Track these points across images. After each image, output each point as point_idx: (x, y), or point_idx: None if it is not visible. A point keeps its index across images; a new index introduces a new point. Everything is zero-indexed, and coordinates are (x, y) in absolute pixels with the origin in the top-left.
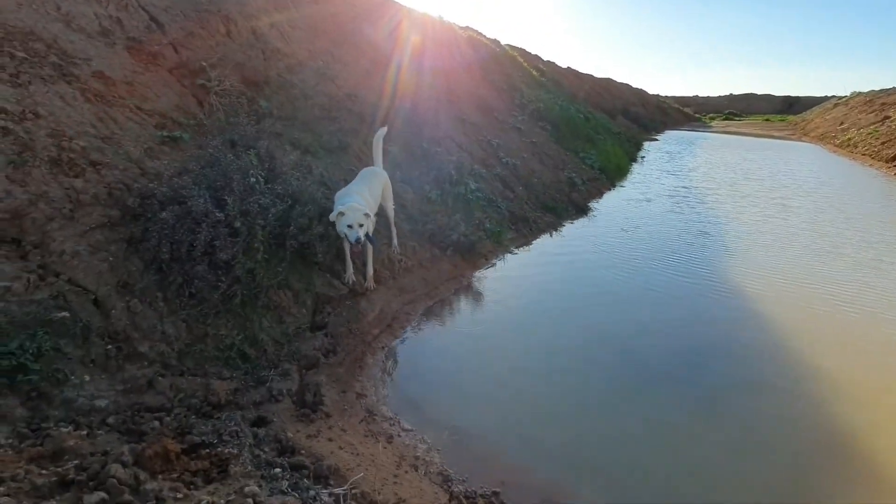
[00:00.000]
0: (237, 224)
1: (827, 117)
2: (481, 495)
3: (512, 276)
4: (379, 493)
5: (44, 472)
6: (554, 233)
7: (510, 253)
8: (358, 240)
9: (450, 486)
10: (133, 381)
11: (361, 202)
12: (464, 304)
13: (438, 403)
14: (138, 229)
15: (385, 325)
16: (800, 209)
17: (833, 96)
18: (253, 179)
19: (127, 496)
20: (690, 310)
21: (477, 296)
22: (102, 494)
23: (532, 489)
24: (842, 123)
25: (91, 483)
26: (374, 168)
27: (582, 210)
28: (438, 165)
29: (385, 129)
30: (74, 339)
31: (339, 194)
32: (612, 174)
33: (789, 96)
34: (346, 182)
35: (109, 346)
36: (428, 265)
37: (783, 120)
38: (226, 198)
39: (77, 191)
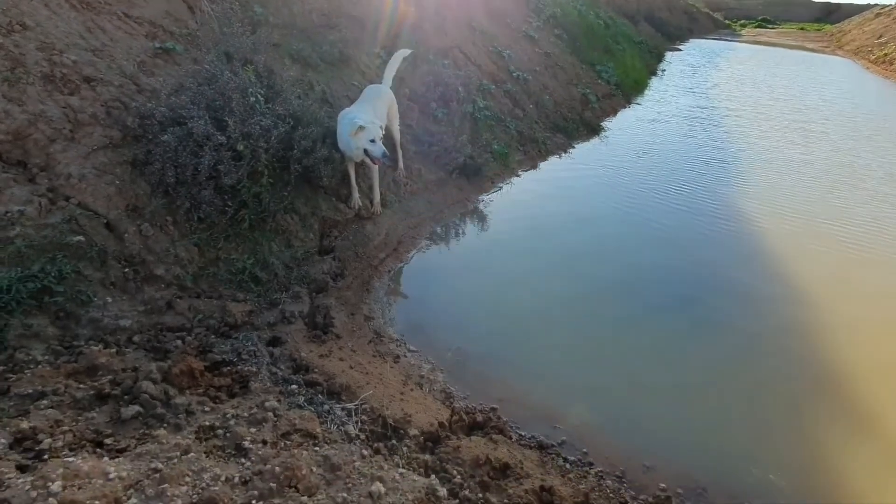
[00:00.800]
0: (240, 147)
1: (865, 29)
2: (480, 411)
3: (518, 200)
4: (387, 409)
5: (81, 385)
6: (563, 155)
7: (517, 176)
8: (385, 154)
9: (452, 403)
10: (153, 303)
11: (373, 118)
12: (469, 229)
13: (442, 326)
14: (141, 151)
15: (391, 250)
16: (825, 135)
17: (876, 5)
18: (253, 99)
19: (160, 409)
20: (690, 248)
21: (482, 220)
22: (137, 408)
23: (527, 407)
24: (880, 37)
25: (126, 397)
26: (379, 86)
27: (594, 130)
28: (445, 81)
29: (409, 51)
30: (92, 262)
31: (342, 114)
32: (629, 90)
33: (829, 2)
34: (349, 99)
35: (127, 270)
36: (433, 188)
37: (819, 29)
38: (226, 119)
39: (74, 110)
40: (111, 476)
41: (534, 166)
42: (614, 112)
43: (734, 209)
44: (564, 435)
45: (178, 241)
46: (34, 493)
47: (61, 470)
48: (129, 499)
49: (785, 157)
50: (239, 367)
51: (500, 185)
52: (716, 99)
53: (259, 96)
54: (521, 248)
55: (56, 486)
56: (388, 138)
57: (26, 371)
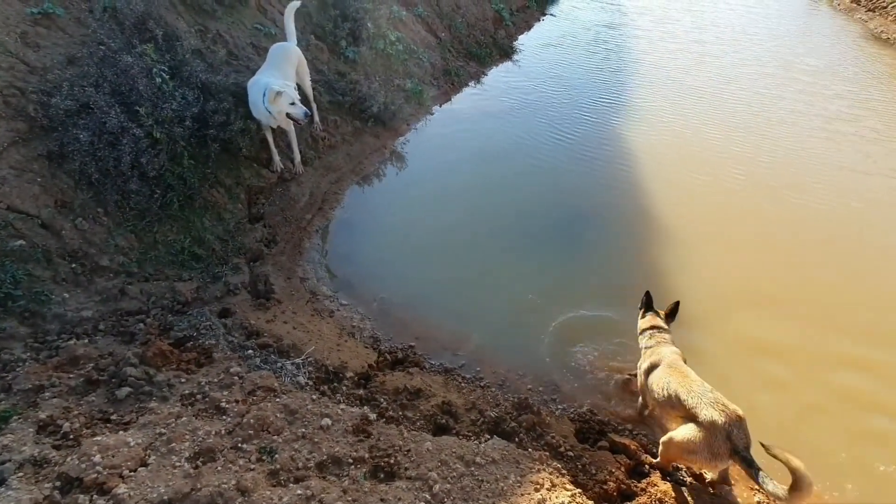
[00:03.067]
0: (156, 134)
1: None
2: (400, 349)
3: (432, 141)
4: (327, 359)
5: (71, 376)
6: (476, 84)
7: (431, 114)
8: (306, 113)
9: (378, 346)
10: (107, 292)
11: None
12: (387, 177)
13: (368, 278)
14: (54, 144)
15: (316, 209)
16: (716, 59)
17: None
18: (159, 79)
19: (146, 387)
20: (586, 177)
21: (399, 167)
22: (128, 388)
23: (438, 340)
24: None
25: (114, 380)
26: (284, 45)
27: (507, 53)
28: (354, 15)
29: (298, 2)
30: (39, 262)
31: (252, 83)
32: None
33: None
34: (255, 48)
35: (73, 265)
36: (351, 139)
37: None
38: (137, 108)
39: None
40: (131, 444)
41: (448, 100)
42: (528, 27)
43: (628, 141)
44: (464, 359)
45: (115, 231)
46: (83, 465)
47: (95, 446)
48: (149, 457)
49: (676, 80)
50: (200, 341)
51: (416, 125)
52: (626, 10)
53: (164, 75)
54: (433, 192)
55: (97, 458)
56: (300, 93)
57: (17, 369)
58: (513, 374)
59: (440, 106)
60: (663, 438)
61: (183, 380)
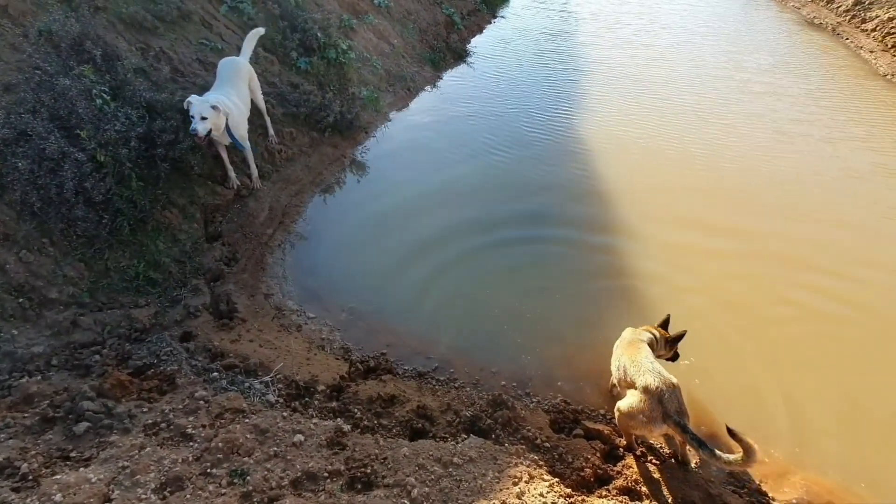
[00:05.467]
0: (100, 158)
1: None
2: (372, 358)
3: (390, 148)
4: (297, 374)
5: (25, 415)
6: (432, 89)
7: (389, 121)
8: (194, 131)
9: (350, 356)
10: (58, 325)
11: (224, 100)
12: (348, 186)
13: (335, 289)
14: None
15: (277, 223)
16: (676, 57)
17: None
18: (99, 101)
19: (106, 420)
20: (544, 174)
21: (360, 174)
22: (86, 423)
23: (409, 345)
24: None
25: (71, 416)
26: (233, 59)
27: (460, 56)
28: (303, 26)
29: (262, 29)
30: None
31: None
32: (495, 1)
33: None
34: (202, 64)
35: (21, 300)
36: (309, 150)
37: None
38: (78, 132)
39: None
40: (93, 480)
41: (405, 106)
42: (480, 29)
43: (580, 136)
44: (437, 362)
45: (63, 261)
46: None
47: (56, 485)
48: (113, 492)
49: (625, 73)
50: (161, 367)
51: (374, 133)
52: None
53: (105, 96)
54: (395, 199)
55: (58, 497)
56: (253, 108)
57: None
58: (486, 372)
59: (398, 112)
60: (615, 410)
61: (145, 409)
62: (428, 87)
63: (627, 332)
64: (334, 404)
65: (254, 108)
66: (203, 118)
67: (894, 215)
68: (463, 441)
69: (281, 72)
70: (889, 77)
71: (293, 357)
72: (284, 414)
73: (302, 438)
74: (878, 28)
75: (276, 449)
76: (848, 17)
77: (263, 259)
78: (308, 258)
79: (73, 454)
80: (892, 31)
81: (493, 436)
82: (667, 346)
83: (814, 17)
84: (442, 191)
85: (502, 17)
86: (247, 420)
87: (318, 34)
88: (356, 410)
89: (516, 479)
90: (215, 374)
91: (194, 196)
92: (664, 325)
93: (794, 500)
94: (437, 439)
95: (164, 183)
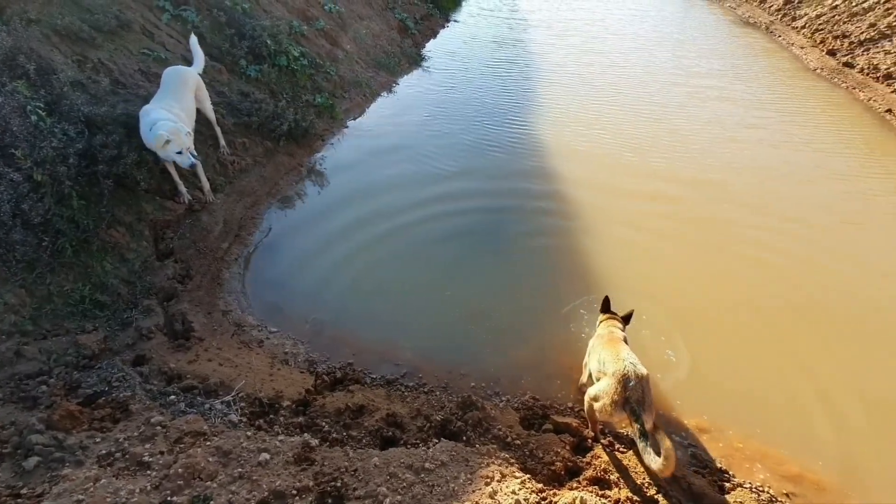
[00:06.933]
0: (37, 177)
1: None
2: (339, 368)
3: (349, 154)
4: (261, 391)
5: None
6: (389, 94)
7: (346, 127)
8: (193, 165)
9: (315, 368)
10: (0, 356)
11: (174, 120)
12: (307, 195)
13: (297, 301)
14: None
15: (233, 237)
16: (624, 55)
17: None
18: (35, 117)
19: (57, 453)
20: (496, 178)
21: (319, 182)
22: (36, 458)
23: (376, 353)
24: None
25: (20, 451)
26: (179, 69)
27: (415, 61)
28: (251, 33)
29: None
30: None
31: (144, 112)
32: (447, 6)
33: None
34: (143, 74)
35: None
36: (263, 161)
37: None
38: (13, 151)
39: None
40: None
41: (362, 112)
42: (434, 34)
43: (531, 142)
44: (405, 368)
45: (1, 288)
46: None
47: None
48: None
49: (574, 73)
50: (113, 394)
51: (331, 140)
52: (523, 11)
53: (40, 112)
54: (355, 206)
55: None
56: (202, 119)
57: None
58: (455, 374)
59: (354, 119)
60: (585, 397)
61: (98, 439)
62: (384, 93)
63: (604, 329)
64: (301, 419)
65: (203, 118)
66: (188, 148)
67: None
68: (434, 445)
69: (230, 81)
70: (818, 71)
71: (256, 374)
72: (248, 433)
73: (268, 457)
74: (807, 25)
75: (240, 470)
76: (779, 16)
77: (220, 274)
78: (268, 271)
79: (24, 491)
80: (820, 27)
81: (465, 438)
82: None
83: (748, 16)
84: (401, 197)
85: (455, 21)
86: (208, 443)
87: (268, 41)
88: (324, 423)
89: (488, 479)
90: (172, 397)
91: (142, 212)
92: (627, 319)
93: (759, 481)
94: (409, 446)
95: (108, 200)
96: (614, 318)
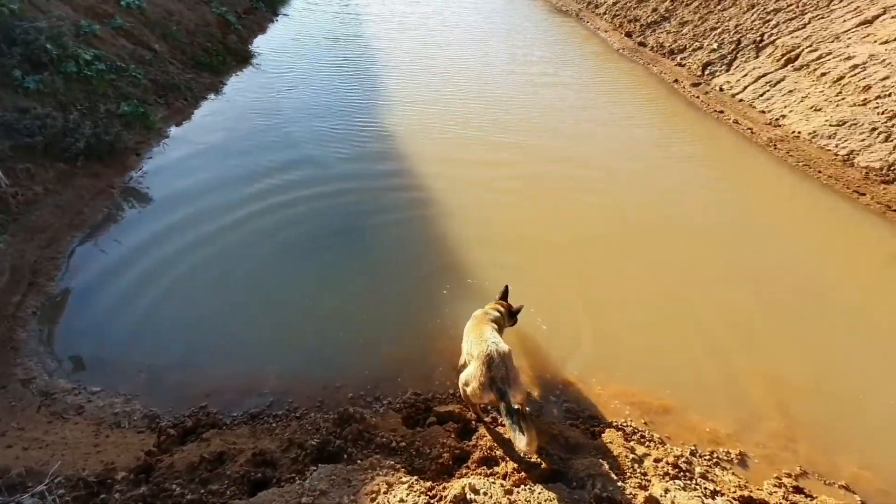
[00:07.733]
0: None
1: None
2: (189, 416)
3: (172, 167)
4: (84, 469)
5: None
6: (216, 97)
7: (166, 138)
8: None
9: (157, 423)
10: None
11: None
12: (125, 221)
13: (126, 347)
14: None
15: (26, 286)
16: (452, 45)
17: None
18: None
19: None
20: (342, 178)
21: (137, 203)
22: None
23: (234, 388)
24: None
25: None
26: None
27: (244, 59)
28: (23, 38)
29: None
30: None
31: None
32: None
33: None
34: None
35: None
36: (58, 188)
37: None
38: None
39: None
40: None
41: (186, 118)
42: (263, 29)
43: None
44: (272, 396)
45: None
46: None
47: None
48: None
49: (417, 68)
50: None
51: (149, 153)
52: (355, 4)
53: None
54: (182, 228)
55: None
56: None
57: None
58: (329, 389)
59: (177, 126)
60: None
61: None
62: (210, 95)
63: (478, 312)
64: (143, 489)
65: None
66: None
67: None
68: (311, 475)
69: (2, 96)
70: (621, 51)
71: (75, 449)
72: None
73: None
74: (607, 11)
75: None
76: (585, 4)
77: (13, 335)
78: (80, 319)
79: None
80: (617, 13)
81: (346, 455)
82: (510, 318)
83: (561, 4)
84: (234, 210)
85: (285, 14)
86: None
87: (48, 45)
88: (174, 486)
89: (374, 495)
90: None
91: None
92: (504, 296)
93: (623, 418)
94: (283, 483)
95: None
96: (499, 303)
